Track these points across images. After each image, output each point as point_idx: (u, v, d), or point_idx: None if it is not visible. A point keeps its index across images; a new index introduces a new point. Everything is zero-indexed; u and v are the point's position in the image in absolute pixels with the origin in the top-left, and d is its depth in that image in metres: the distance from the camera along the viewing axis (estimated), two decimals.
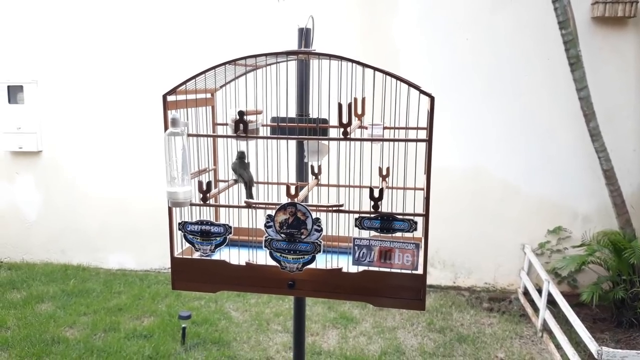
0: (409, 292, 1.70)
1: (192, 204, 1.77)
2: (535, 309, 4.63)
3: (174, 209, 1.79)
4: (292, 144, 1.99)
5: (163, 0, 5.40)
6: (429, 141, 1.62)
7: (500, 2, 4.93)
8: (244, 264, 1.77)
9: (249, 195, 2.02)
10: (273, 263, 1.72)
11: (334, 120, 1.77)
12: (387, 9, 5.11)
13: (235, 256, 1.80)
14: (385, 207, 1.70)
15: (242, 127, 1.73)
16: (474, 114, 5.08)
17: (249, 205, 1.78)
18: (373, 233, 1.71)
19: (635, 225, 4.61)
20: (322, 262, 1.73)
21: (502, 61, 4.99)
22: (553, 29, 4.44)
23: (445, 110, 4.87)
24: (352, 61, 1.62)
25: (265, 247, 1.71)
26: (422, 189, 1.78)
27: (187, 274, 1.83)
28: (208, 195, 1.78)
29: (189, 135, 1.76)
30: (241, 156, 2.00)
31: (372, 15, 5.15)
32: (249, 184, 2.02)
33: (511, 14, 4.92)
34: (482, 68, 5.03)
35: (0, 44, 5.67)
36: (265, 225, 1.70)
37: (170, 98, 1.75)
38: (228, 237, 1.78)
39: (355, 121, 1.94)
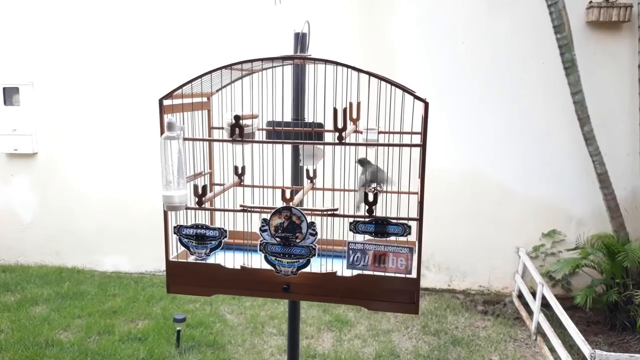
0: (402, 295, 1.71)
1: (187, 208, 1.77)
2: (530, 312, 4.65)
3: (169, 212, 1.79)
4: (288, 148, 2.00)
5: (160, 4, 5.40)
6: (423, 146, 1.63)
7: (497, 6, 4.96)
8: (239, 268, 1.77)
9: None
10: (268, 267, 1.72)
11: (329, 125, 1.78)
12: (385, 12, 5.12)
13: (230, 260, 1.80)
14: (379, 212, 1.71)
15: (237, 131, 1.74)
16: (471, 116, 5.10)
17: (244, 209, 1.79)
18: (367, 237, 1.72)
19: (628, 229, 4.63)
20: (317, 265, 1.74)
21: (499, 64, 5.02)
22: (549, 33, 4.46)
23: (442, 112, 4.89)
24: (347, 66, 1.63)
25: (260, 250, 1.72)
26: (417, 193, 1.79)
27: (182, 278, 1.83)
28: (203, 199, 1.79)
29: (184, 139, 1.77)
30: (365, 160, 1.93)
31: (370, 18, 5.17)
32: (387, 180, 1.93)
33: (508, 18, 4.95)
34: (479, 71, 5.05)
35: None
36: (260, 229, 1.70)
37: (166, 102, 1.76)
38: (223, 240, 1.79)
39: (350, 126, 1.95)
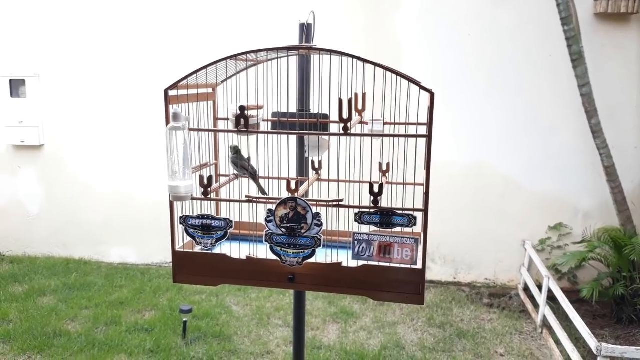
0: (408, 286, 1.71)
1: (193, 198, 1.78)
2: (536, 305, 4.64)
3: (175, 203, 1.80)
4: (293, 139, 2.00)
5: None
6: (428, 137, 1.63)
7: None
8: (245, 258, 1.78)
9: (261, 187, 2.01)
10: (273, 257, 1.73)
11: (334, 116, 1.78)
12: (390, 4, 5.10)
13: (236, 250, 1.81)
14: (385, 203, 1.71)
15: (243, 122, 1.74)
16: (475, 109, 5.08)
17: (249, 200, 1.79)
18: (373, 228, 1.72)
19: (635, 222, 4.61)
20: (322, 256, 1.75)
21: (505, 57, 4.99)
22: (556, 25, 4.43)
23: (447, 105, 4.87)
24: (353, 57, 1.62)
25: (265, 241, 1.72)
26: (422, 185, 1.78)
27: (188, 268, 1.84)
28: (209, 189, 1.79)
29: (190, 129, 1.77)
30: (237, 150, 2.02)
31: (375, 10, 5.14)
32: (256, 176, 2.02)
33: (514, 10, 4.91)
34: (484, 64, 5.02)
35: (3, 37, 5.68)
36: (265, 220, 1.71)
37: (171, 93, 1.76)
38: (229, 231, 1.79)
39: (355, 117, 1.94)
